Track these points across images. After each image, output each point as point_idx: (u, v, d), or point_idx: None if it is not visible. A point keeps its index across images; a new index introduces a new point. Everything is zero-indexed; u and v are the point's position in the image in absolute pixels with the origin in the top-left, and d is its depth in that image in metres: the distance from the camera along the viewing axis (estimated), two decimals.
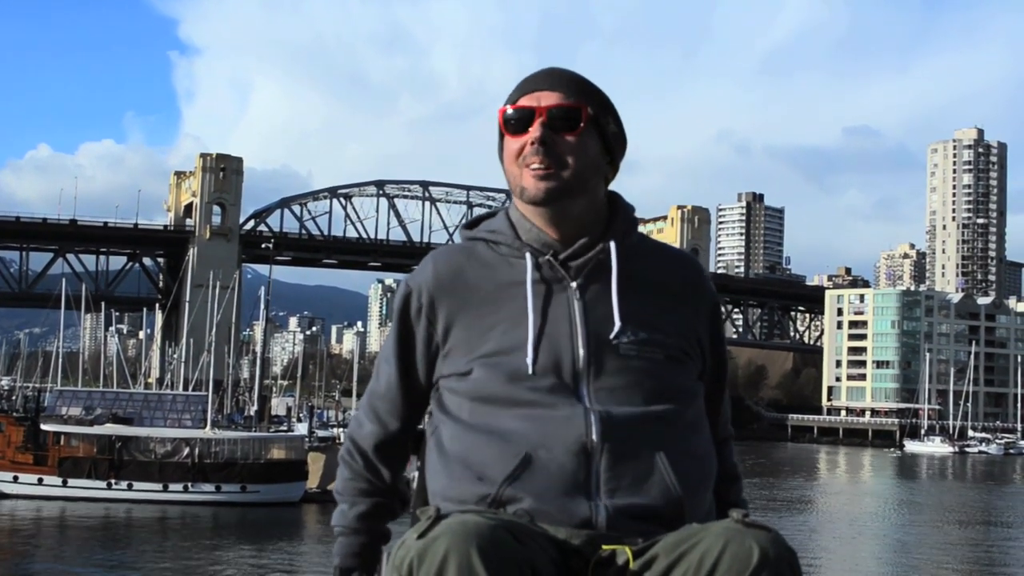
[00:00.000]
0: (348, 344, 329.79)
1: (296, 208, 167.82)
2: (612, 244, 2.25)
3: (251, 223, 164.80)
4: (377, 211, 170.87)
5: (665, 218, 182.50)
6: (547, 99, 2.24)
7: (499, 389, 2.16)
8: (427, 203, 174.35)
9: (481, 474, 2.10)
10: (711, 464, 2.23)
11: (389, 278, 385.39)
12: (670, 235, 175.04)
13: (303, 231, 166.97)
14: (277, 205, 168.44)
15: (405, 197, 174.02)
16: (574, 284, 2.23)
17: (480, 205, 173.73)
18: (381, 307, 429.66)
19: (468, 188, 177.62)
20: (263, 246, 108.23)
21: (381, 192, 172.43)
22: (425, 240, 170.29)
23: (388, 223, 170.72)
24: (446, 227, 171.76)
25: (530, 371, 2.15)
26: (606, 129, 2.28)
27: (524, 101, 2.26)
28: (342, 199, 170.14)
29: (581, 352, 2.17)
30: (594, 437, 2.09)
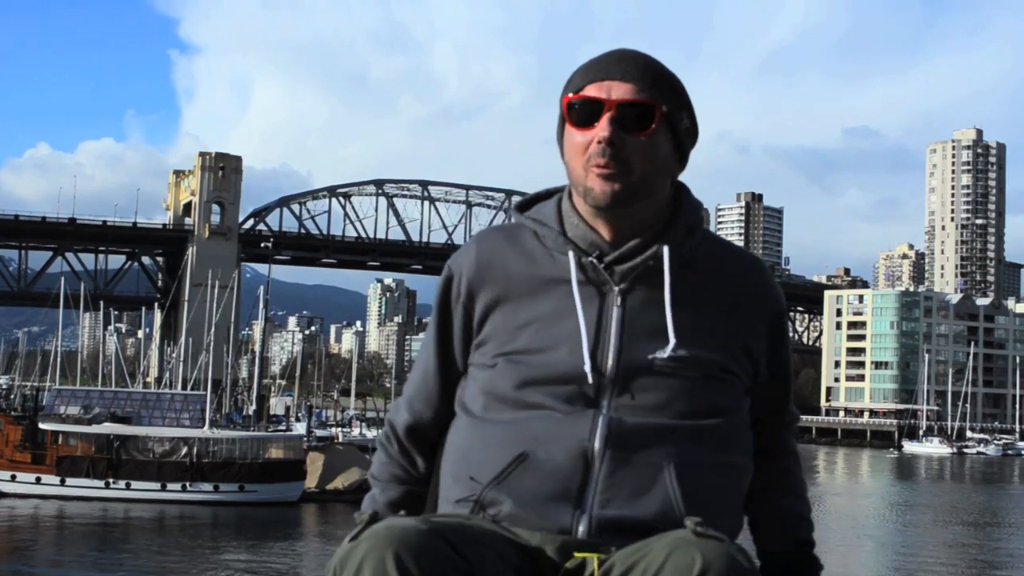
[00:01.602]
0: (347, 344, 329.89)
1: (295, 207, 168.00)
2: (666, 249, 2.07)
3: (250, 222, 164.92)
4: (376, 210, 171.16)
5: None
6: (618, 91, 2.03)
7: (516, 388, 2.05)
8: (426, 202, 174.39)
9: (474, 473, 2.02)
10: (738, 483, 2.09)
11: (388, 278, 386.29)
12: None
13: (302, 230, 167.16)
14: (276, 204, 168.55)
15: (404, 196, 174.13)
16: (616, 290, 2.07)
17: (479, 205, 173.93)
18: (380, 307, 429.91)
19: (467, 188, 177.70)
20: (262, 245, 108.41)
21: (380, 191, 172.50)
22: (424, 240, 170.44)
23: (387, 222, 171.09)
24: (445, 227, 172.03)
25: (588, 377, 2.02)
26: (679, 125, 2.09)
27: (591, 91, 2.04)
28: (341, 198, 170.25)
29: (609, 364, 2.03)
30: (597, 443, 1.97)
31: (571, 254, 2.08)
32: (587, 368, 2.01)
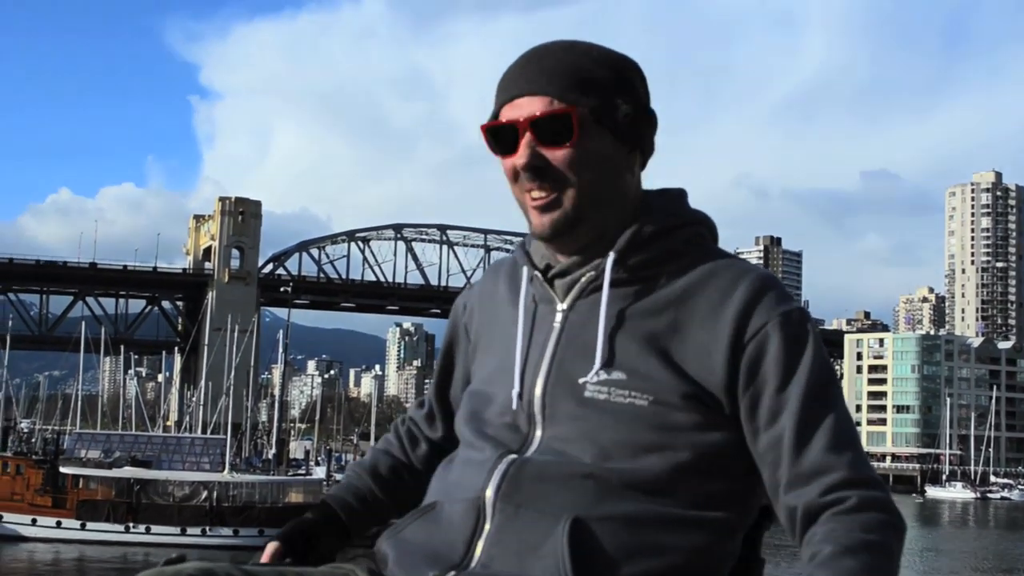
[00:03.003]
0: (366, 387, 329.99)
1: (314, 251, 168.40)
2: (609, 260, 1.81)
3: (269, 266, 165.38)
4: (395, 254, 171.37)
5: None
6: (529, 107, 1.78)
7: (464, 424, 1.90)
8: (445, 247, 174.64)
9: (402, 515, 1.87)
10: (689, 539, 1.70)
11: (407, 321, 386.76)
12: None
13: (321, 274, 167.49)
14: (295, 248, 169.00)
15: (423, 240, 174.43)
16: (561, 306, 1.85)
17: (498, 249, 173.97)
18: (399, 350, 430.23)
19: (486, 232, 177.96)
20: (281, 289, 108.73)
21: (399, 236, 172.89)
22: (443, 284, 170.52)
23: (406, 266, 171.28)
24: (463, 270, 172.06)
25: (513, 402, 1.82)
26: (615, 116, 1.80)
27: (506, 113, 1.81)
28: (360, 242, 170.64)
29: (537, 392, 1.79)
30: (490, 490, 1.72)
31: (524, 270, 1.91)
32: (514, 394, 1.81)
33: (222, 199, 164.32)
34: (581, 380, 1.75)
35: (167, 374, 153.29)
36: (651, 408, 1.71)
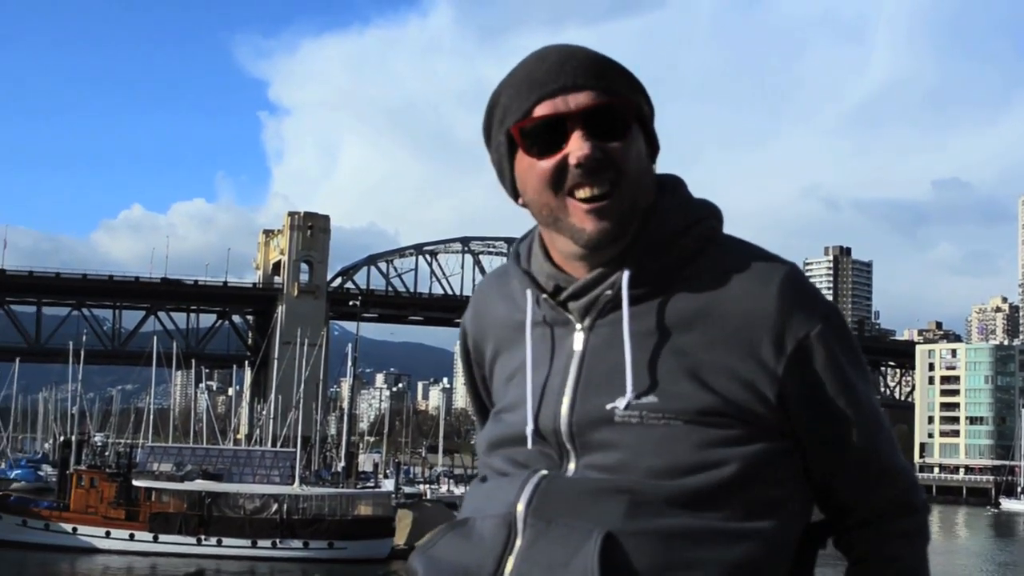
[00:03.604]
0: (434, 400, 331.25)
1: (382, 265, 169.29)
2: (625, 276, 1.67)
3: (338, 280, 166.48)
4: (462, 267, 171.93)
5: None
6: (576, 100, 1.65)
7: (487, 451, 1.81)
8: None
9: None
10: (730, 553, 1.62)
11: None
12: None
13: (389, 288, 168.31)
14: (364, 262, 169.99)
15: (490, 253, 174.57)
16: (579, 327, 1.72)
17: None
18: None
19: None
20: (350, 303, 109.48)
21: (466, 248, 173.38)
22: None
23: (473, 279, 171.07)
24: None
25: (528, 441, 1.72)
26: (643, 115, 1.72)
27: (543, 109, 1.66)
28: (428, 256, 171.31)
29: (563, 421, 1.68)
30: (521, 505, 1.64)
31: (528, 292, 1.77)
32: (528, 429, 1.71)
33: (291, 214, 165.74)
34: (609, 406, 1.65)
35: (237, 388, 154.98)
36: (687, 428, 1.63)
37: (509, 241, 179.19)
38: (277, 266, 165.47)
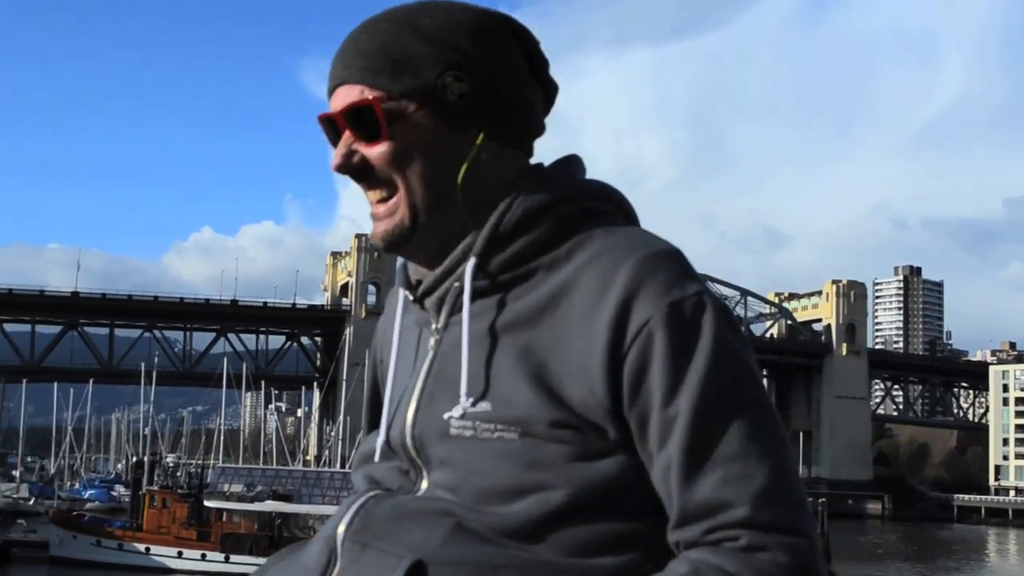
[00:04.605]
0: None
1: None
2: (468, 267, 1.47)
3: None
4: None
5: (820, 293, 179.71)
6: (343, 97, 1.48)
7: (356, 469, 1.62)
8: None
9: None
10: None
11: None
12: (825, 310, 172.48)
13: None
14: None
15: None
16: (434, 327, 1.53)
17: None
18: None
19: None
20: None
21: None
22: None
23: None
24: None
25: (376, 457, 1.56)
26: (443, 97, 1.46)
27: (330, 104, 1.51)
28: None
29: (407, 434, 1.49)
30: (341, 527, 1.47)
31: (400, 293, 1.60)
32: (378, 442, 1.55)
33: (358, 236, 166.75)
34: (445, 416, 1.44)
35: (306, 409, 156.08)
36: (521, 443, 1.38)
37: None
38: (345, 288, 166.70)
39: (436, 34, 1.46)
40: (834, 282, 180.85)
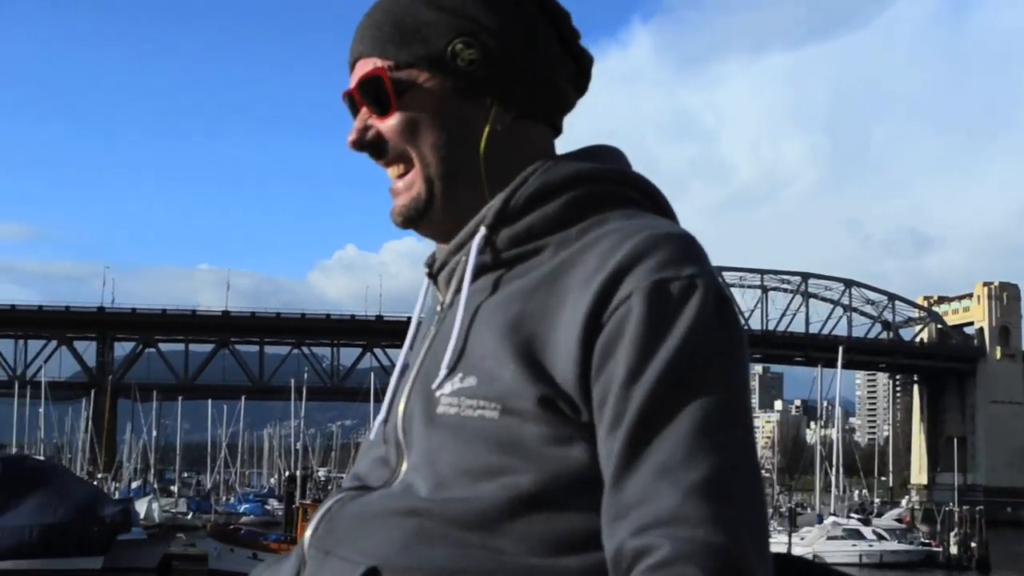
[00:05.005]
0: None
1: None
2: (476, 240, 1.40)
3: None
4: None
5: (970, 296, 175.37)
6: (359, 72, 1.45)
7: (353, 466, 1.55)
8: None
9: None
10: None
11: None
12: (977, 313, 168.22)
13: None
14: None
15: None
16: (438, 306, 1.49)
17: (775, 289, 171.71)
18: None
19: (762, 272, 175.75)
20: None
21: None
22: None
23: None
24: (740, 312, 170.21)
25: (371, 435, 1.51)
26: (454, 64, 1.41)
27: (350, 79, 1.48)
28: None
29: (400, 412, 1.42)
30: (308, 533, 1.41)
31: (425, 275, 1.54)
32: (376, 423, 1.49)
33: None
34: (435, 392, 1.36)
35: None
36: (500, 421, 1.29)
37: (717, 270, 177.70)
38: None
39: (449, 1, 1.42)
40: (985, 284, 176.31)
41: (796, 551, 55.65)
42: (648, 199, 1.43)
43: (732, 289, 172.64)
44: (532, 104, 1.44)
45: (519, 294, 1.34)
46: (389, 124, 1.42)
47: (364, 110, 1.44)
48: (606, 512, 1.22)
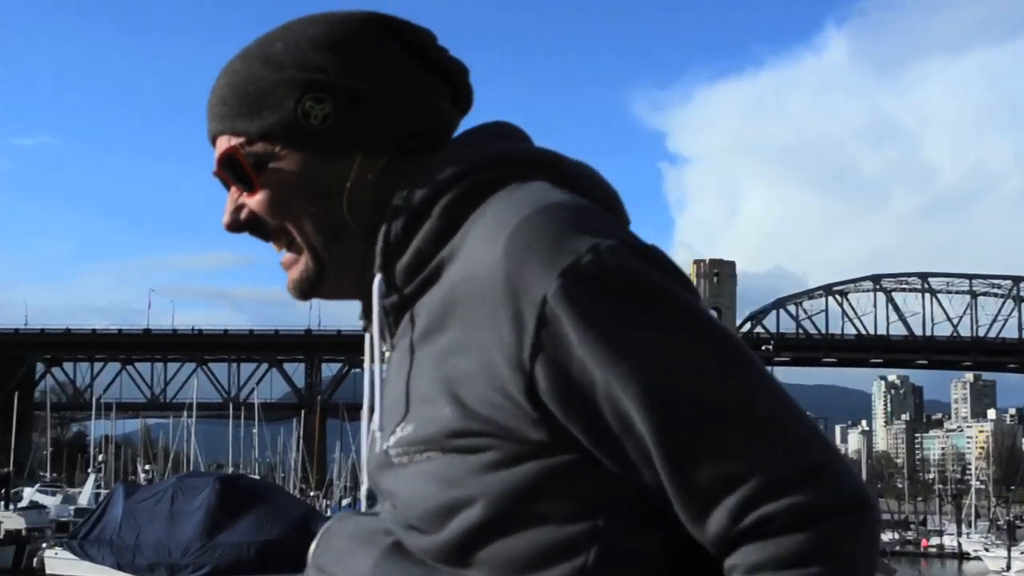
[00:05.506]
0: (853, 443, 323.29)
1: (791, 308, 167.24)
2: (375, 286, 1.32)
3: (747, 326, 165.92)
4: (875, 306, 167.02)
5: None
6: (218, 150, 1.38)
7: None
8: (927, 295, 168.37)
9: None
10: None
11: (892, 374, 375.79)
12: None
13: (800, 331, 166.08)
14: (772, 306, 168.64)
15: (903, 290, 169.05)
16: (385, 349, 1.40)
17: (985, 294, 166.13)
18: (885, 404, 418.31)
19: (971, 277, 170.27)
20: (762, 348, 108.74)
21: (877, 287, 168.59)
22: (927, 333, 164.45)
23: (887, 318, 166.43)
24: (949, 319, 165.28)
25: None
26: (306, 125, 1.32)
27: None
28: (837, 296, 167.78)
29: (367, 475, 1.40)
30: (310, 552, 1.39)
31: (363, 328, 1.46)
32: (363, 487, 1.48)
33: (696, 262, 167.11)
34: (385, 447, 1.31)
35: None
36: (444, 460, 1.24)
37: (923, 276, 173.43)
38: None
39: (288, 58, 1.33)
40: None
41: (1016, 566, 53.58)
42: (542, 169, 1.32)
43: (939, 295, 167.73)
44: (407, 141, 1.35)
45: (435, 325, 1.26)
46: (256, 201, 1.34)
47: (233, 189, 1.36)
48: (685, 516, 1.17)
